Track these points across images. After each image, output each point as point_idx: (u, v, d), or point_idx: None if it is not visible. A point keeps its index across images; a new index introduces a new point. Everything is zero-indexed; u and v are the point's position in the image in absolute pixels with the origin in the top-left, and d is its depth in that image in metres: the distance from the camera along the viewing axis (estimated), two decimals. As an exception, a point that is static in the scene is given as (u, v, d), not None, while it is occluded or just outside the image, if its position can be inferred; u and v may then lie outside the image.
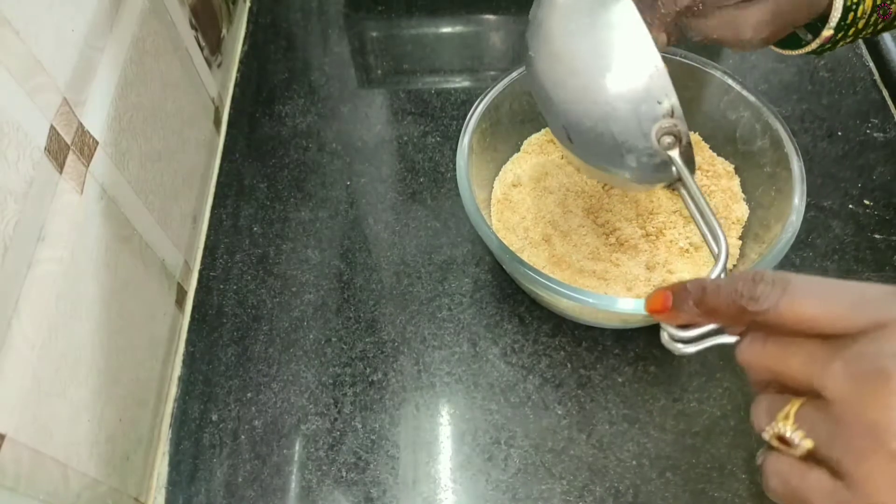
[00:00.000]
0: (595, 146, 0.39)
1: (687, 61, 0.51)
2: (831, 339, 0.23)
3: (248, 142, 0.61)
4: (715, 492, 0.43)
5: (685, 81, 0.52)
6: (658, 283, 0.48)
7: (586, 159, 0.40)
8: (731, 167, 0.53)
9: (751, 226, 0.50)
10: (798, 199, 0.43)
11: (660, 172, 0.38)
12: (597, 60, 0.36)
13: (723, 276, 0.32)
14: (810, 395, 0.24)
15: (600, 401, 0.47)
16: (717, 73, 0.50)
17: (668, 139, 0.37)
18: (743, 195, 0.51)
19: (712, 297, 0.27)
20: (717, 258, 0.33)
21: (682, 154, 0.37)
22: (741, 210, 0.51)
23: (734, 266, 0.49)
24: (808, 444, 0.23)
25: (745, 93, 0.49)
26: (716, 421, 0.46)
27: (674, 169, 0.37)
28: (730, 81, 0.49)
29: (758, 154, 0.49)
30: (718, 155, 0.54)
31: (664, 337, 0.30)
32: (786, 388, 0.25)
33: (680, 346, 0.29)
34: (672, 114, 0.36)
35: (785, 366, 0.25)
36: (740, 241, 0.49)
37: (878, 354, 0.22)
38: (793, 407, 0.24)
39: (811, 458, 0.23)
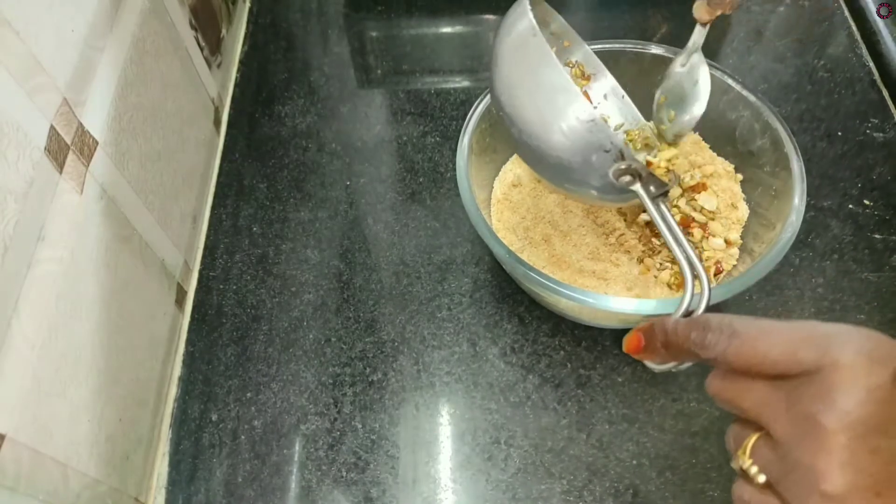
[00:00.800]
0: (560, 178, 0.40)
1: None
2: (780, 379, 0.25)
3: (248, 142, 0.61)
4: (714, 491, 0.43)
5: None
6: (658, 283, 0.48)
7: (555, 184, 0.41)
8: (731, 167, 0.53)
9: (751, 226, 0.50)
10: (798, 199, 0.44)
11: (627, 194, 0.39)
12: (543, 120, 0.38)
13: (703, 304, 0.33)
14: (765, 430, 0.25)
15: (600, 400, 0.47)
16: (717, 73, 0.50)
17: (626, 178, 0.38)
18: (743, 195, 0.51)
19: (673, 340, 0.29)
20: (684, 290, 0.34)
21: (644, 185, 0.38)
22: (742, 210, 0.51)
23: (734, 266, 0.49)
24: (762, 478, 0.25)
25: (744, 92, 0.49)
26: (714, 421, 0.46)
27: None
28: (729, 81, 0.49)
29: (757, 154, 0.49)
30: (718, 155, 0.54)
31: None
32: (747, 421, 0.27)
33: (656, 367, 0.32)
34: (622, 156, 0.37)
35: (739, 403, 0.26)
36: (741, 241, 0.49)
37: (812, 399, 0.23)
38: (749, 441, 0.26)
39: (770, 487, 0.25)
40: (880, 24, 0.65)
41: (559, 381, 0.48)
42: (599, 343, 0.49)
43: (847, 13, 0.68)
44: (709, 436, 0.45)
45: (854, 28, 0.67)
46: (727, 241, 0.49)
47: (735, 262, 0.49)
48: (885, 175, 0.56)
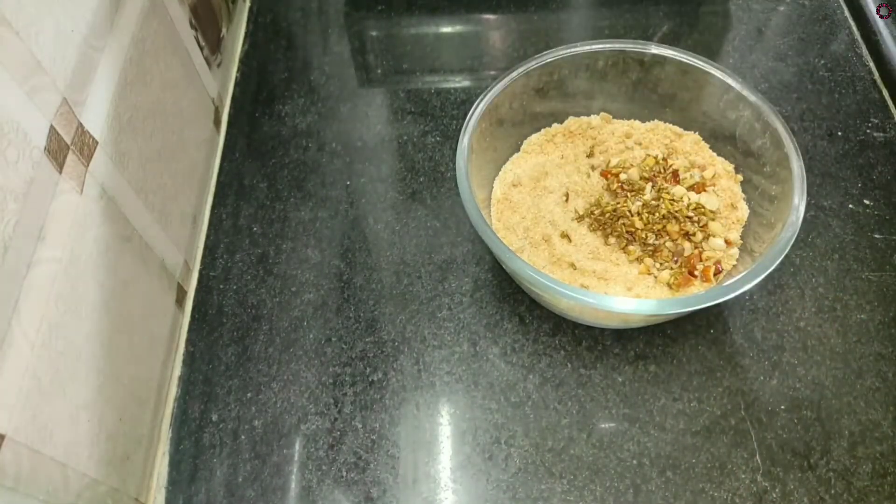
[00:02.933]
0: None
1: (686, 61, 0.51)
2: None
3: (248, 141, 0.61)
4: (715, 491, 0.43)
5: (685, 81, 0.52)
6: (658, 283, 0.48)
7: None
8: (730, 167, 0.53)
9: (751, 225, 0.50)
10: (798, 199, 0.43)
11: None
12: None
13: None
14: None
15: (600, 400, 0.47)
16: (717, 73, 0.50)
17: None
18: (743, 195, 0.51)
19: None
20: None
21: None
22: (741, 210, 0.51)
23: (734, 266, 0.49)
24: None
25: (745, 92, 0.49)
26: (716, 420, 0.46)
27: None
28: (730, 81, 0.49)
29: (758, 153, 0.49)
30: (718, 155, 0.54)
31: None
32: None
33: None
34: None
35: None
36: (741, 241, 0.49)
37: None
38: None
39: None
40: (880, 24, 0.65)
41: (560, 380, 0.48)
42: (600, 343, 0.49)
43: (847, 13, 0.68)
44: (710, 435, 0.45)
45: (854, 28, 0.67)
46: (727, 242, 0.49)
47: (735, 262, 0.49)
48: (885, 175, 0.56)
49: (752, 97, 0.48)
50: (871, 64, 0.64)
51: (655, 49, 0.52)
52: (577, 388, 0.47)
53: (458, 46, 0.69)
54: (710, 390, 0.47)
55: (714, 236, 0.49)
